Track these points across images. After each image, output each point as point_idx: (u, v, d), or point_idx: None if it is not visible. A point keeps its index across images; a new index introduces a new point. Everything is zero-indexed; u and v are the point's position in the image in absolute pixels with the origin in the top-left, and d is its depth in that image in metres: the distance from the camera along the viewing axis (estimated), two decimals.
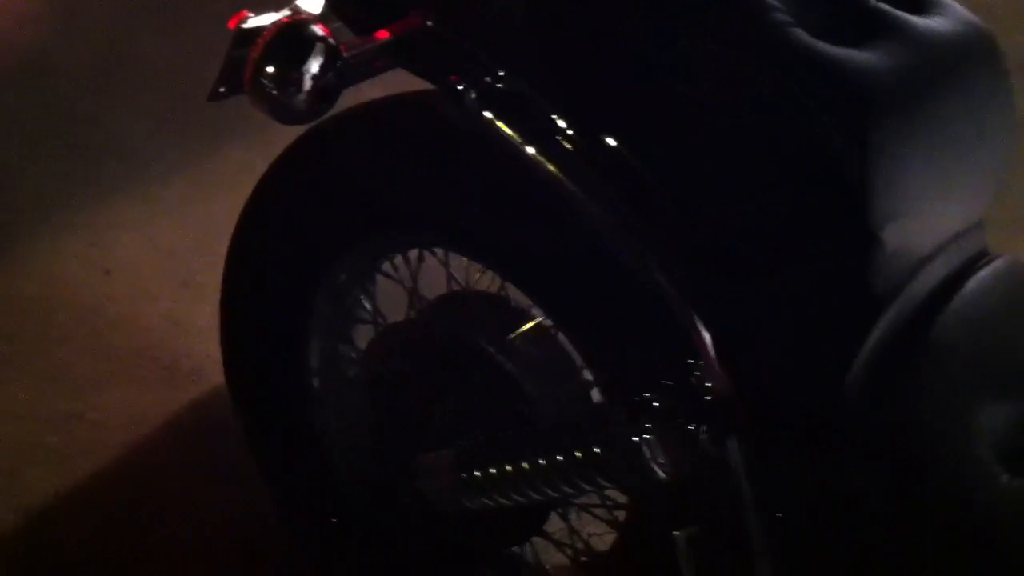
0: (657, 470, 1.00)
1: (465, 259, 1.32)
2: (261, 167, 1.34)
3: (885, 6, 1.02)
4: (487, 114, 1.04)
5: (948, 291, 1.01)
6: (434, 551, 1.40)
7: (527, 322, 1.27)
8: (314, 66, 1.01)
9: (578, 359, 1.25)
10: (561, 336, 1.25)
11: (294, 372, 1.42)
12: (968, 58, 1.03)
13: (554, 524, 1.34)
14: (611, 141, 1.04)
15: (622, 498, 1.26)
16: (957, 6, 1.06)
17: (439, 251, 1.35)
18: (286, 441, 1.49)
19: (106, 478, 1.61)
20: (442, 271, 1.36)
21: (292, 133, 1.29)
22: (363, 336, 1.42)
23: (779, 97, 0.94)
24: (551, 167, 1.03)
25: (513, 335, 1.26)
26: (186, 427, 1.69)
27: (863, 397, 0.96)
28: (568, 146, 1.04)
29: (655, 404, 1.01)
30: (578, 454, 1.07)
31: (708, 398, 1.00)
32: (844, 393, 0.97)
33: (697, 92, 0.99)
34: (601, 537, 1.37)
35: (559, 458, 1.08)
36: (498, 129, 1.05)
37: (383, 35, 1.08)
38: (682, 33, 0.99)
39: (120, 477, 1.62)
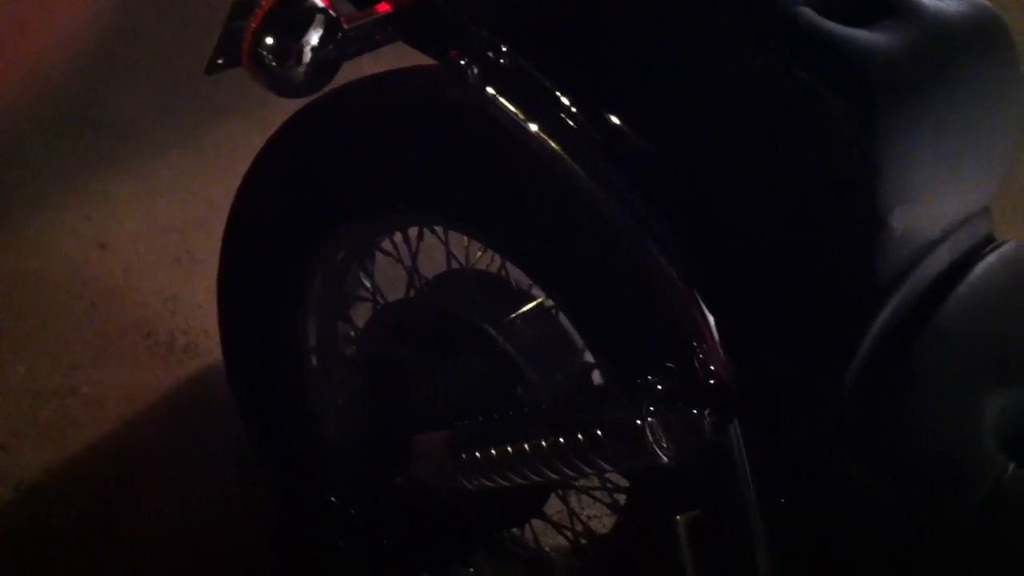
0: (659, 453, 0.98)
1: (465, 238, 1.30)
2: (259, 143, 1.32)
3: None
4: (489, 90, 1.02)
5: (954, 277, 1.00)
6: (431, 533, 1.39)
7: (528, 302, 1.26)
8: (314, 38, 0.99)
9: (579, 340, 1.23)
10: (562, 317, 1.23)
11: (291, 349, 1.41)
12: (977, 40, 1.01)
13: (553, 506, 1.33)
14: (614, 119, 1.02)
15: (622, 481, 1.25)
16: None
17: (439, 229, 1.33)
18: (282, 419, 1.48)
19: (100, 453, 1.60)
20: (442, 249, 1.34)
21: (290, 108, 1.27)
22: (362, 314, 1.41)
23: (784, 77, 0.92)
24: (553, 144, 1.01)
25: (513, 315, 1.24)
26: (181, 403, 1.68)
27: (867, 383, 0.95)
28: (570, 123, 1.02)
29: (657, 387, 1.00)
30: (579, 436, 1.05)
31: (711, 382, 0.99)
32: (847, 379, 0.95)
33: (700, 70, 0.97)
34: (600, 520, 1.37)
35: (560, 440, 1.07)
36: (500, 105, 1.03)
37: (384, 8, 1.06)
38: (686, 10, 0.97)
39: (114, 453, 1.61)
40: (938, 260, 1.00)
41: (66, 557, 1.50)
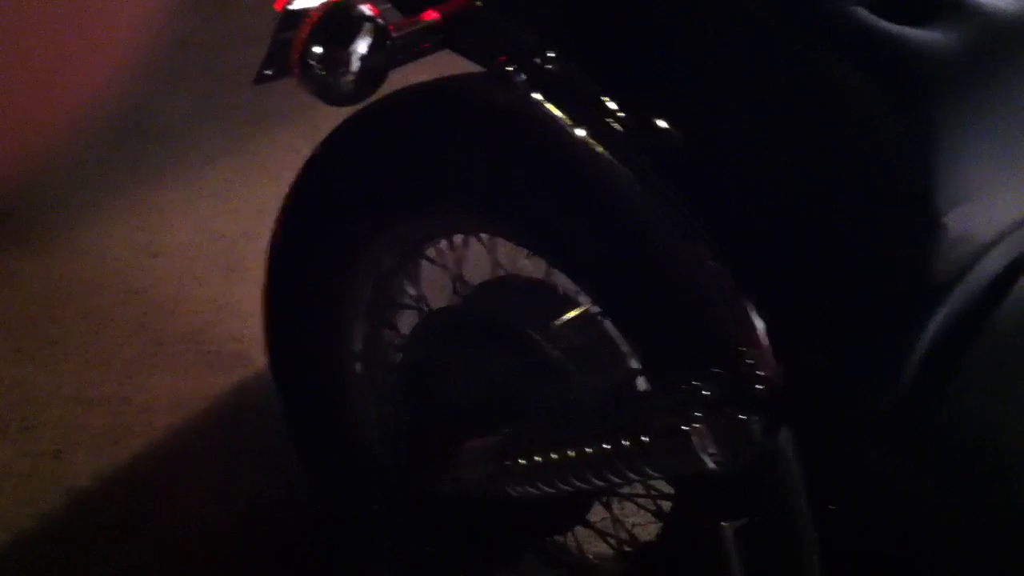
0: (706, 460, 0.98)
1: (511, 244, 1.30)
2: (306, 150, 1.34)
3: None
4: (536, 95, 1.03)
5: (1011, 278, 0.99)
6: (476, 540, 1.39)
7: (573, 309, 1.25)
8: (362, 46, 1.00)
9: (625, 347, 1.23)
10: (608, 323, 1.23)
11: (337, 357, 1.42)
12: None
13: (597, 513, 1.33)
14: (662, 123, 1.02)
15: (667, 488, 1.24)
16: None
17: (484, 236, 1.33)
18: (328, 427, 1.49)
19: (151, 461, 1.62)
20: (487, 257, 1.34)
21: (337, 116, 1.28)
22: (407, 322, 1.41)
23: (837, 76, 0.92)
24: (601, 149, 1.02)
25: (559, 321, 1.24)
26: (231, 411, 1.69)
27: (921, 387, 0.94)
28: (618, 128, 1.02)
29: (705, 393, 0.99)
30: (625, 443, 1.05)
31: (760, 387, 0.98)
32: (902, 383, 0.94)
33: (751, 71, 0.97)
34: (645, 528, 1.36)
35: (606, 447, 1.07)
36: (547, 111, 1.03)
37: (431, 15, 1.07)
38: (735, 9, 0.96)
39: (164, 460, 1.62)
40: (994, 261, 0.99)
41: (112, 560, 1.51)
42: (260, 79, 1.11)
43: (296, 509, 1.57)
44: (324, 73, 1.01)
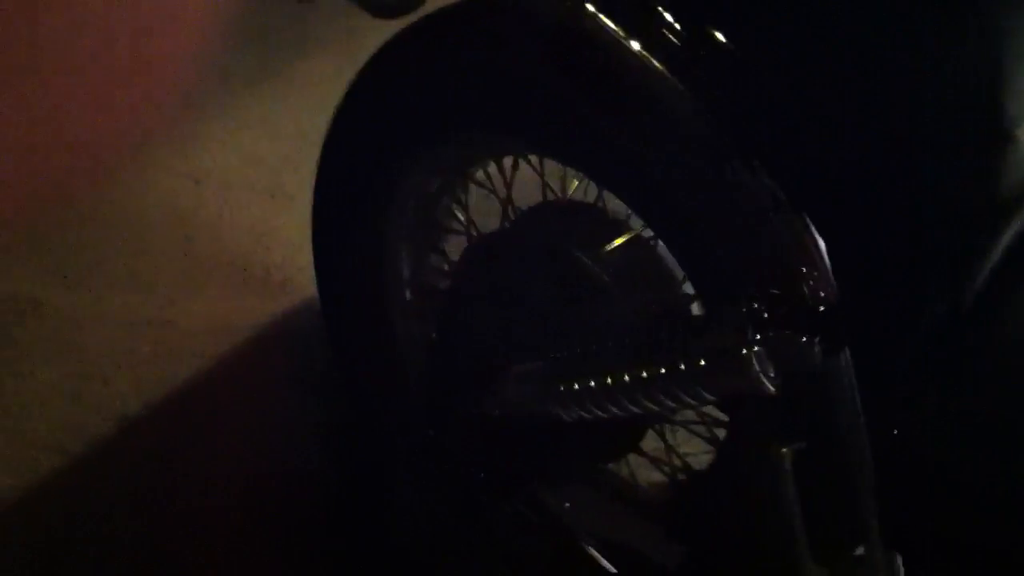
0: (765, 383, 0.95)
1: (561, 166, 1.28)
2: (348, 76, 1.31)
3: None
4: (588, 6, 0.99)
5: None
6: (527, 466, 1.37)
7: (625, 232, 1.23)
8: None
9: (678, 270, 1.20)
10: (660, 246, 1.20)
11: (384, 282, 1.40)
12: None
13: (650, 442, 1.31)
14: (719, 36, 0.98)
15: (721, 415, 1.22)
16: None
17: (534, 158, 1.30)
18: (375, 353, 1.48)
19: (195, 386, 1.62)
20: (537, 180, 1.32)
21: (377, 41, 1.25)
22: (455, 247, 1.39)
23: None
24: (656, 63, 0.98)
25: (610, 246, 1.22)
26: (275, 337, 1.69)
27: (987, 307, 0.91)
28: (674, 40, 0.98)
29: (764, 314, 0.96)
30: (681, 366, 1.02)
31: (820, 308, 0.95)
32: (966, 304, 0.91)
33: None
34: (698, 458, 1.34)
35: (660, 370, 1.04)
36: (600, 23, 0.99)
37: None
38: None
39: (208, 385, 1.62)
40: None
41: (162, 488, 1.52)
42: None
43: (340, 438, 1.57)
44: None
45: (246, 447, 1.56)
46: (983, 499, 0.92)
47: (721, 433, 1.24)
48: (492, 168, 1.34)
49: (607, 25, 0.99)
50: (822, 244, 0.95)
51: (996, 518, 0.92)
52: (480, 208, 1.38)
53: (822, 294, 0.95)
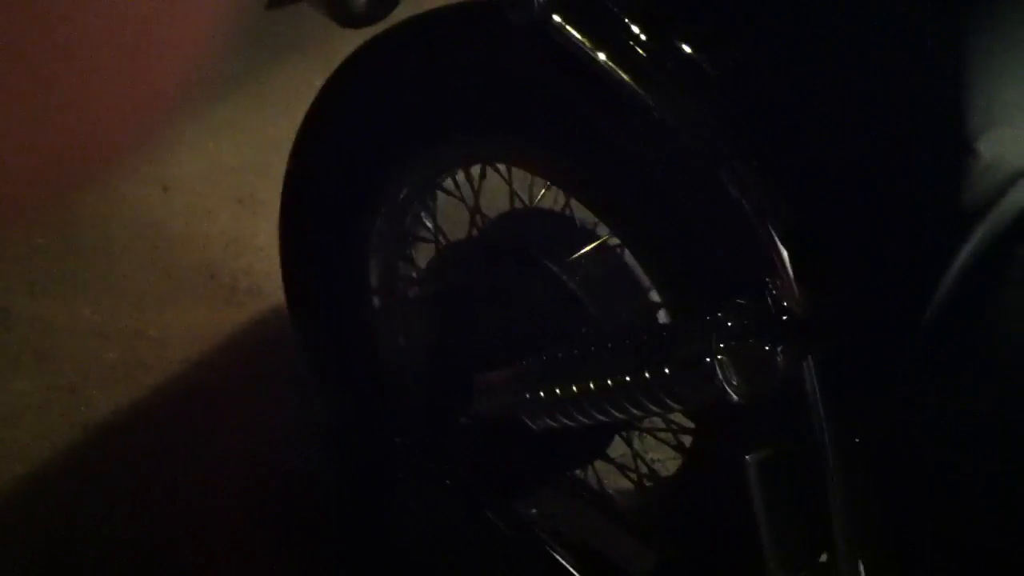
0: (729, 391, 0.96)
1: (529, 175, 1.28)
2: (318, 83, 1.31)
3: None
4: (556, 18, 1.00)
5: None
6: (495, 473, 1.38)
7: (592, 240, 1.23)
8: None
9: (645, 279, 1.21)
10: (628, 255, 1.21)
11: (354, 290, 1.40)
12: None
13: (617, 449, 1.31)
14: (685, 47, 0.98)
15: (687, 422, 1.23)
16: None
17: (502, 167, 1.31)
18: (345, 360, 1.47)
19: (166, 394, 1.61)
20: (505, 188, 1.32)
21: (350, 47, 1.25)
22: (424, 255, 1.39)
23: None
24: (623, 74, 0.98)
25: (578, 254, 1.22)
26: (245, 344, 1.68)
27: (950, 316, 0.91)
28: (640, 52, 0.99)
29: (728, 324, 0.97)
30: (646, 375, 1.03)
31: (784, 317, 0.96)
32: (929, 312, 0.92)
33: None
34: (664, 464, 1.35)
35: (626, 378, 1.05)
36: (567, 34, 1.00)
37: None
38: None
39: (179, 394, 1.62)
40: None
41: (129, 495, 1.51)
42: (273, 3, 1.07)
43: (309, 442, 1.57)
44: None
45: (214, 455, 1.55)
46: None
47: (688, 440, 1.25)
48: (460, 176, 1.34)
49: (573, 35, 0.99)
50: (785, 254, 0.95)
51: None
52: (449, 216, 1.38)
53: (786, 303, 0.96)
